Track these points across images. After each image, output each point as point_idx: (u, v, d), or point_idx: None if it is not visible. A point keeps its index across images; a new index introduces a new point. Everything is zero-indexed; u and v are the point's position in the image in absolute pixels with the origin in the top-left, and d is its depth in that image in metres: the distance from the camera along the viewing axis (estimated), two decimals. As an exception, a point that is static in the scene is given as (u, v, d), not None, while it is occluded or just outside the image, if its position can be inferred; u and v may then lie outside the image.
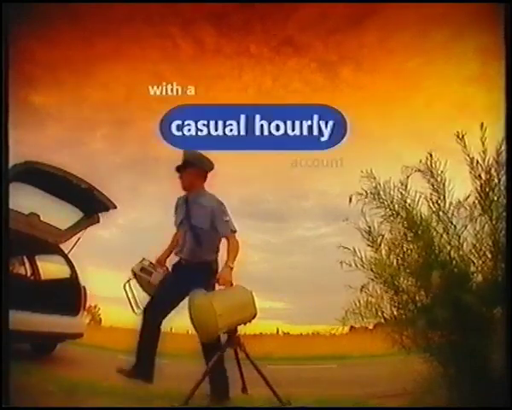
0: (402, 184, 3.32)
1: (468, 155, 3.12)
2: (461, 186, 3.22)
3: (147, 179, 6.41)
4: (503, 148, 3.00)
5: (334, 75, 5.13)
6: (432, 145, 3.34)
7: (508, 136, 2.94)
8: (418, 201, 3.28)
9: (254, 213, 6.91)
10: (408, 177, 3.29)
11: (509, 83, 3.03)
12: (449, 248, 3.17)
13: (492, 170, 3.07)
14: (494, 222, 3.02)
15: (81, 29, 4.53)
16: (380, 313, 3.25)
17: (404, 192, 3.31)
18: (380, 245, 3.32)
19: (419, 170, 3.25)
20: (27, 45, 4.35)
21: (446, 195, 3.22)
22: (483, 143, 3.06)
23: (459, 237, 3.14)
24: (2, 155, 3.12)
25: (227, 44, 4.86)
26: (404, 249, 3.27)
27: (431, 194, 3.26)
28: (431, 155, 3.22)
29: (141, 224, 7.05)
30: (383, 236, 3.35)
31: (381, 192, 3.35)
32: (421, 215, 3.25)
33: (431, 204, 3.25)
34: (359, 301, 3.22)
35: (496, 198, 3.02)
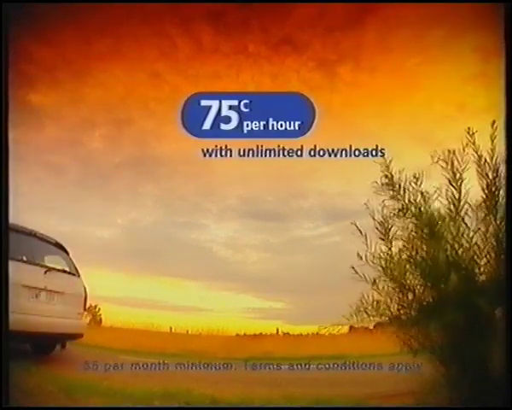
0: (416, 182, 3.32)
1: (476, 153, 3.13)
2: (466, 186, 3.23)
3: (146, 179, 6.41)
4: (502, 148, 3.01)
5: (332, 74, 5.12)
6: (431, 144, 3.35)
7: (508, 136, 2.94)
8: (429, 199, 3.28)
9: (254, 213, 6.90)
10: (419, 175, 3.29)
11: (508, 82, 3.03)
12: (460, 248, 3.16)
13: (488, 169, 3.08)
14: (498, 222, 3.02)
15: (79, 29, 4.51)
16: (387, 312, 3.26)
17: (416, 188, 3.31)
18: (391, 243, 3.32)
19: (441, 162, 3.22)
20: (26, 45, 4.34)
21: (462, 195, 3.22)
22: (492, 141, 3.07)
23: (471, 237, 3.14)
24: (2, 155, 3.11)
25: (225, 43, 4.84)
26: (416, 248, 3.26)
27: (446, 191, 3.25)
28: (451, 152, 3.21)
29: (140, 223, 7.04)
30: (390, 229, 3.34)
31: (391, 191, 3.35)
32: (433, 214, 3.24)
33: (445, 203, 3.25)
34: (361, 301, 3.22)
35: (500, 199, 3.02)
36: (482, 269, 3.09)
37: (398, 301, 3.26)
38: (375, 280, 3.27)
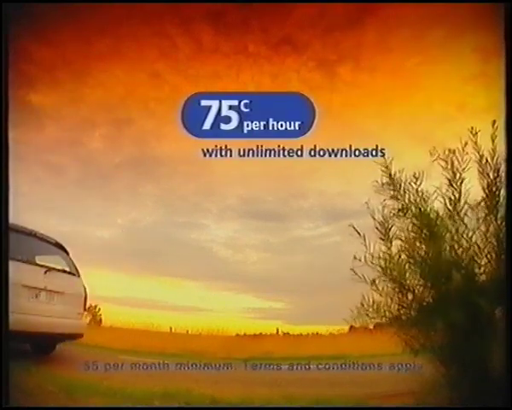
0: (415, 182, 3.32)
1: (478, 152, 3.13)
2: (466, 186, 3.23)
3: (146, 179, 6.42)
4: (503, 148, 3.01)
5: (332, 74, 5.12)
6: (431, 144, 3.35)
7: (508, 135, 2.94)
8: (429, 199, 3.28)
9: (254, 213, 6.91)
10: (419, 175, 3.29)
11: (508, 82, 3.03)
12: (460, 248, 3.16)
13: (489, 169, 3.08)
14: (499, 222, 3.03)
15: (79, 29, 4.51)
16: (388, 313, 3.26)
17: (416, 188, 3.31)
18: (391, 243, 3.32)
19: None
20: (26, 45, 4.34)
21: (462, 194, 3.22)
22: (493, 141, 3.07)
23: (471, 237, 3.14)
24: (2, 155, 3.11)
25: (225, 43, 4.84)
26: (416, 248, 3.26)
27: (446, 190, 3.26)
28: (452, 151, 3.22)
29: (140, 223, 7.05)
30: (390, 229, 3.34)
31: (391, 190, 3.35)
32: (433, 214, 3.24)
33: (446, 203, 3.25)
34: (361, 303, 3.22)
35: (501, 199, 3.03)
36: (482, 269, 3.09)
37: (398, 302, 3.26)
38: (374, 280, 3.27)
